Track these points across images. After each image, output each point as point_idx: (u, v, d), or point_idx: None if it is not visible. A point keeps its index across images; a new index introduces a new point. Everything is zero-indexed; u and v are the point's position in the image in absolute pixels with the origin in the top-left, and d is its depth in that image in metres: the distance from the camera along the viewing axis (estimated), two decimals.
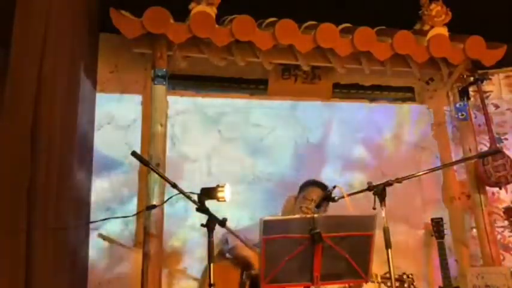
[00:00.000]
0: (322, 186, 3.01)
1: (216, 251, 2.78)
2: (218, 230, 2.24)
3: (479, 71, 3.70)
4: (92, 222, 3.01)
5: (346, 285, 2.52)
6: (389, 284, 2.34)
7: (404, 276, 2.80)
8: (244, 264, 2.77)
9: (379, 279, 2.75)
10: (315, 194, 2.97)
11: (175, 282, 3.20)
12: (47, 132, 2.18)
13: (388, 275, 2.34)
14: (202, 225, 2.19)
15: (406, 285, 2.78)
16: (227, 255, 2.79)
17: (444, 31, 3.50)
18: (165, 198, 2.68)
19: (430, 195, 3.83)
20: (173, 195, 2.36)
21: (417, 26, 3.60)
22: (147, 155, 2.99)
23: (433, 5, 3.50)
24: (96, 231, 3.11)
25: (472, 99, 3.81)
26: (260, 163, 3.61)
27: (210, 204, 2.25)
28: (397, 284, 2.72)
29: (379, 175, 3.67)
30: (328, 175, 3.64)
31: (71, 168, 2.58)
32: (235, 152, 3.58)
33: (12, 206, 1.95)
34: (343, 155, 3.77)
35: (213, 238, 2.16)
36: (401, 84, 4.01)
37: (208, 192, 2.28)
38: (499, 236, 3.63)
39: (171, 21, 3.09)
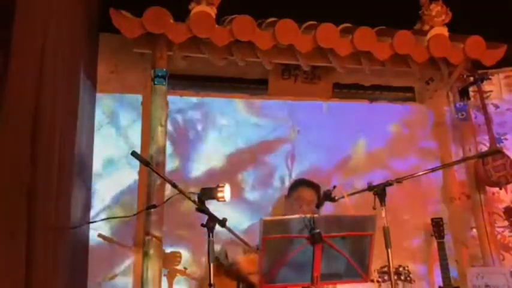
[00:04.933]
0: (312, 185, 2.98)
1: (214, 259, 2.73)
2: (218, 230, 2.23)
3: (479, 71, 3.70)
4: (92, 222, 3.01)
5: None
6: (386, 277, 2.36)
7: (401, 269, 2.81)
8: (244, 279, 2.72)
9: (376, 274, 2.75)
10: (307, 194, 2.93)
11: (175, 282, 3.20)
12: (47, 132, 2.18)
13: (384, 269, 2.36)
14: (202, 225, 2.18)
15: (402, 277, 2.79)
16: (226, 268, 2.73)
17: (444, 31, 3.50)
18: (165, 198, 2.68)
19: (430, 195, 3.83)
20: (173, 195, 2.36)
21: (417, 26, 3.60)
22: (147, 155, 2.99)
23: (433, 5, 3.50)
24: (96, 231, 3.11)
25: (472, 99, 3.81)
26: (260, 163, 3.61)
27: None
28: (394, 277, 2.71)
29: (378, 175, 3.68)
30: (328, 175, 3.64)
31: (71, 168, 2.58)
32: (235, 151, 3.58)
33: (12, 206, 1.95)
34: (343, 155, 3.77)
35: (213, 238, 2.15)
36: (401, 84, 4.01)
37: (208, 192, 2.28)
38: (499, 236, 3.63)
39: (171, 21, 3.09)
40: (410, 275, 2.80)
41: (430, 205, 3.80)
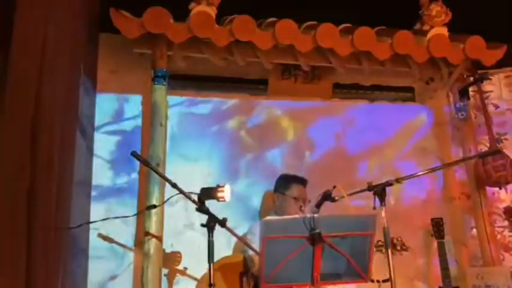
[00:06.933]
0: (304, 182, 3.02)
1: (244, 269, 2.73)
2: (219, 230, 2.23)
3: (479, 71, 3.70)
4: (92, 222, 3.01)
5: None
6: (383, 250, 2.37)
7: (395, 241, 2.83)
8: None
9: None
10: (303, 192, 2.98)
11: (175, 282, 3.20)
12: (47, 132, 2.18)
13: (379, 243, 2.37)
14: (202, 225, 2.18)
15: (398, 247, 2.81)
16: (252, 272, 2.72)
17: (444, 31, 3.50)
18: (165, 198, 2.68)
19: (430, 195, 3.83)
20: (173, 195, 2.36)
21: (417, 26, 3.60)
22: (147, 155, 2.99)
23: (433, 5, 3.50)
24: (96, 231, 3.11)
25: (472, 99, 3.81)
26: (260, 163, 3.61)
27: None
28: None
29: (378, 175, 3.68)
30: (329, 175, 3.64)
31: (71, 168, 2.58)
32: (235, 151, 3.58)
33: (12, 207, 1.95)
34: (342, 155, 3.77)
35: (213, 238, 2.15)
36: (401, 84, 4.01)
37: (208, 192, 2.28)
38: (499, 236, 3.63)
39: (171, 21, 3.09)
40: (405, 244, 2.83)
41: (430, 205, 3.80)
